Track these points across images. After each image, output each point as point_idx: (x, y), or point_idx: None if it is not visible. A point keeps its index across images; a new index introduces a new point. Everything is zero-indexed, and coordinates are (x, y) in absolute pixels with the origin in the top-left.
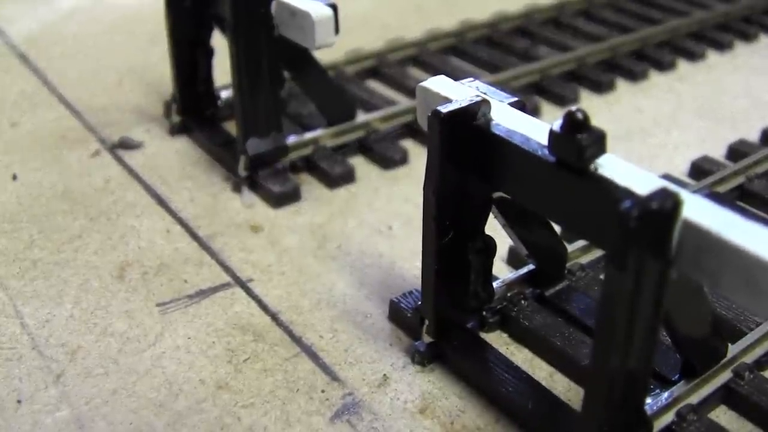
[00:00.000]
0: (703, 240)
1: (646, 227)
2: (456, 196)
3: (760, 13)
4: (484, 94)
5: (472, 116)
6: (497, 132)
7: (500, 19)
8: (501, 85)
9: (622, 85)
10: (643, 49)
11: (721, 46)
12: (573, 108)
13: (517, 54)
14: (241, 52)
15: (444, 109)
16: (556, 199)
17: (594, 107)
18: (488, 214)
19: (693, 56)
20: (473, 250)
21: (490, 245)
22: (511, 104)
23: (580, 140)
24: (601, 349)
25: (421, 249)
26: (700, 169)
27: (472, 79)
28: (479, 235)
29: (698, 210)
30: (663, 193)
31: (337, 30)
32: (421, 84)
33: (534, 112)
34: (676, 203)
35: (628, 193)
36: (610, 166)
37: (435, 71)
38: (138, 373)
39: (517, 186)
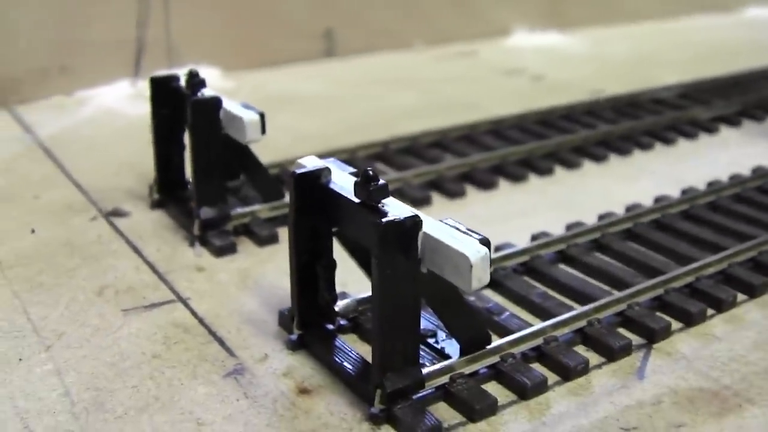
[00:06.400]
0: (432, 244)
1: (396, 234)
2: (308, 230)
3: (639, 134)
4: (332, 165)
5: (318, 176)
6: (331, 186)
7: (422, 134)
8: (404, 182)
9: (504, 185)
10: (529, 159)
11: (598, 158)
12: (368, 168)
13: (428, 160)
14: (198, 145)
15: (298, 170)
16: (361, 227)
17: (476, 200)
18: (332, 242)
19: (570, 165)
20: (321, 265)
21: (332, 263)
22: (351, 173)
23: (370, 187)
24: (377, 323)
25: None
26: (535, 239)
27: (333, 159)
28: (325, 256)
29: (431, 226)
30: (411, 215)
31: (263, 131)
32: (298, 160)
33: (425, 202)
34: (417, 220)
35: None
36: (391, 204)
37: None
38: (102, 347)
39: (343, 221)
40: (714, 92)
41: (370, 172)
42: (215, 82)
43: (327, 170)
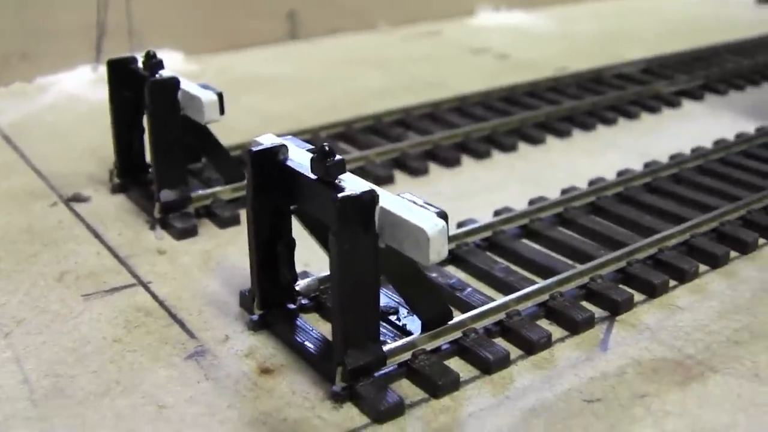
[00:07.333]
0: (390, 218)
1: (353, 209)
2: (267, 209)
3: (603, 109)
4: (289, 142)
5: (275, 153)
6: (288, 163)
7: (384, 113)
8: (367, 160)
9: (467, 162)
10: (492, 136)
11: (562, 134)
12: (324, 143)
13: (391, 139)
14: (156, 127)
15: (254, 147)
16: (319, 203)
17: (441, 177)
18: (290, 220)
19: (535, 141)
20: (281, 245)
21: (291, 242)
22: (308, 150)
23: (327, 163)
24: (337, 299)
25: None
26: (498, 214)
27: (290, 137)
28: (285, 234)
29: (388, 200)
30: (368, 190)
31: (222, 111)
32: (255, 139)
33: (388, 181)
34: (374, 195)
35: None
36: (348, 180)
37: None
38: (62, 333)
39: (301, 198)
40: (677, 67)
41: (327, 148)
42: (179, 66)
43: (284, 147)
